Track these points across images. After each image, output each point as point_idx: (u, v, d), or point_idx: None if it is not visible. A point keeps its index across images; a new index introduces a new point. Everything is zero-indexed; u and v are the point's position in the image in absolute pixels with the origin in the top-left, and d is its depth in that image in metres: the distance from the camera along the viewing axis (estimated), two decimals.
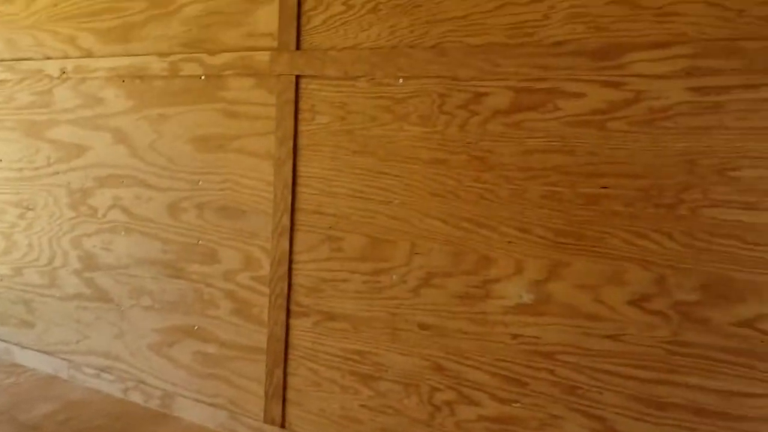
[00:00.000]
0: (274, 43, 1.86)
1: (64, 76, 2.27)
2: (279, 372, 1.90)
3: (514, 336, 1.59)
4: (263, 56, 1.86)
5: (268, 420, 1.94)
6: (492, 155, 1.59)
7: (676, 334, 1.42)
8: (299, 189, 1.85)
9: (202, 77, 1.99)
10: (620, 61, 1.41)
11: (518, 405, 1.59)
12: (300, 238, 1.86)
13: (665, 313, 1.43)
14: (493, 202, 1.60)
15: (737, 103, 1.34)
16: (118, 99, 2.17)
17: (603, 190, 1.47)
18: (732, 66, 1.33)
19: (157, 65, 2.06)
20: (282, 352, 1.89)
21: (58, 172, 2.34)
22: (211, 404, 2.06)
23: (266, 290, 1.92)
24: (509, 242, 1.58)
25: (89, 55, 2.23)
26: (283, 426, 1.93)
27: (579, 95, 1.48)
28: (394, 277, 1.73)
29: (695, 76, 1.36)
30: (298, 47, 1.82)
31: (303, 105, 1.83)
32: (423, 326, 1.70)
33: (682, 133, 1.39)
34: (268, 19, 1.87)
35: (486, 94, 1.59)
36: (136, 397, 2.22)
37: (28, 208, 2.42)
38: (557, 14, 1.49)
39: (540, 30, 1.51)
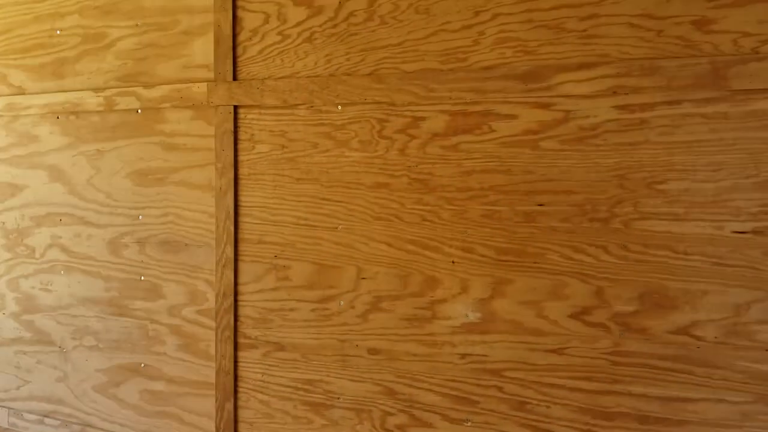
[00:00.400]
0: (211, 75, 1.86)
1: None
2: (229, 406, 1.87)
3: (463, 355, 1.60)
4: (200, 88, 1.85)
5: None
6: (432, 177, 1.62)
7: (618, 345, 1.46)
8: (242, 219, 1.84)
9: (139, 111, 1.97)
10: (548, 82, 1.46)
11: (470, 424, 1.61)
12: (245, 268, 1.84)
13: (605, 324, 1.47)
14: (436, 223, 1.62)
15: (661, 119, 1.40)
16: (53, 136, 2.13)
17: (540, 207, 1.51)
18: (654, 84, 1.39)
19: (92, 100, 2.03)
20: (231, 385, 1.86)
21: None
22: None
23: (212, 324, 1.89)
24: (453, 262, 1.61)
25: (21, 92, 2.18)
26: None
27: (511, 117, 1.52)
28: (342, 303, 1.73)
29: (620, 94, 1.42)
30: (235, 78, 1.82)
31: (242, 135, 1.83)
32: (372, 351, 1.70)
33: (611, 149, 1.44)
34: (203, 50, 1.87)
35: (423, 119, 1.61)
36: None
37: None
38: (486, 40, 1.53)
39: (471, 55, 1.55)
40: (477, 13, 1.55)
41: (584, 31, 1.45)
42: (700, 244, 1.38)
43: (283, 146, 1.78)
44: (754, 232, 1.34)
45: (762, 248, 1.34)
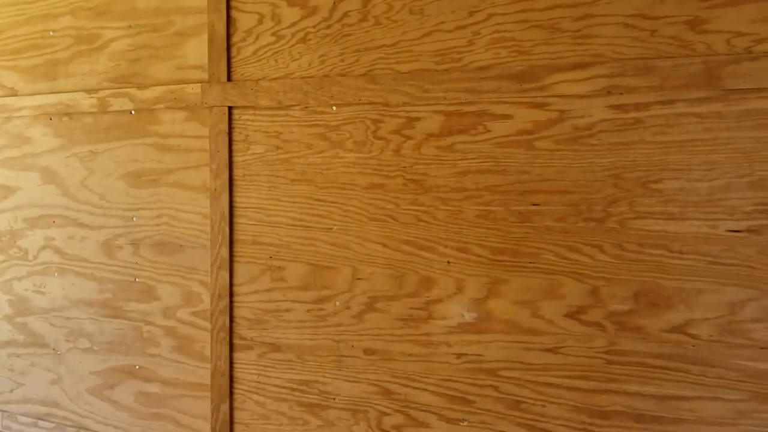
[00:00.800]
0: (205, 76, 1.85)
1: None
2: (225, 407, 1.87)
3: (458, 355, 1.60)
4: (194, 89, 1.85)
5: None
6: (427, 178, 1.62)
7: (613, 344, 1.46)
8: (237, 220, 1.83)
9: (133, 112, 1.96)
10: (543, 82, 1.47)
11: (466, 423, 1.61)
12: (240, 269, 1.84)
13: (601, 323, 1.47)
14: (431, 224, 1.62)
15: (655, 119, 1.40)
16: (46, 137, 2.12)
17: (535, 207, 1.51)
18: (648, 83, 1.39)
19: (85, 102, 2.02)
20: (227, 386, 1.86)
21: None
22: None
23: (208, 325, 1.89)
24: (448, 262, 1.61)
25: (13, 93, 2.17)
26: None
27: (506, 117, 1.52)
28: (337, 303, 1.73)
29: (614, 94, 1.42)
30: (229, 78, 1.82)
31: (237, 136, 1.82)
32: (368, 351, 1.70)
33: (606, 149, 1.44)
34: (197, 51, 1.87)
35: (418, 119, 1.61)
36: None
37: None
38: (481, 40, 1.54)
39: (466, 55, 1.55)
40: (471, 14, 1.55)
41: (578, 31, 1.45)
42: (694, 243, 1.39)
43: (278, 147, 1.78)
44: (749, 230, 1.35)
45: (756, 247, 1.35)
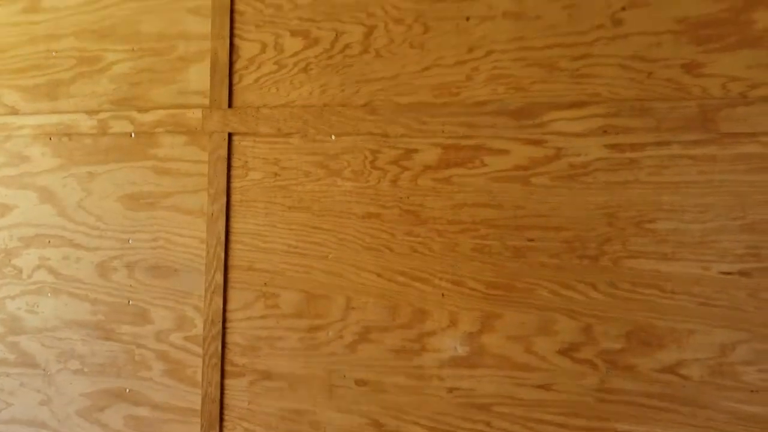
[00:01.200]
0: (206, 101, 1.87)
1: None
2: None
3: (450, 389, 1.60)
4: (195, 114, 1.86)
5: None
6: (423, 209, 1.63)
7: (604, 382, 1.46)
8: (233, 246, 1.84)
9: (132, 135, 1.98)
10: (540, 119, 1.48)
11: None
12: (234, 295, 1.84)
13: (593, 361, 1.47)
14: (426, 255, 1.63)
15: (650, 159, 1.42)
16: (45, 157, 2.12)
17: (530, 243, 1.52)
18: (644, 125, 1.41)
19: (85, 123, 2.03)
20: (217, 413, 1.85)
21: None
22: None
23: (200, 350, 1.88)
24: (443, 295, 1.61)
25: (14, 112, 2.18)
26: None
27: (503, 152, 1.53)
28: (330, 333, 1.73)
29: (610, 133, 1.44)
30: (230, 105, 1.83)
31: (236, 162, 1.83)
32: (360, 382, 1.70)
33: (601, 187, 1.46)
34: (199, 77, 1.88)
35: (416, 151, 1.63)
36: None
37: None
38: (480, 75, 1.55)
39: (464, 90, 1.57)
40: (471, 50, 1.57)
41: (576, 70, 1.48)
42: (687, 283, 1.39)
43: (276, 174, 1.79)
44: (740, 273, 1.36)
45: (747, 289, 1.35)
